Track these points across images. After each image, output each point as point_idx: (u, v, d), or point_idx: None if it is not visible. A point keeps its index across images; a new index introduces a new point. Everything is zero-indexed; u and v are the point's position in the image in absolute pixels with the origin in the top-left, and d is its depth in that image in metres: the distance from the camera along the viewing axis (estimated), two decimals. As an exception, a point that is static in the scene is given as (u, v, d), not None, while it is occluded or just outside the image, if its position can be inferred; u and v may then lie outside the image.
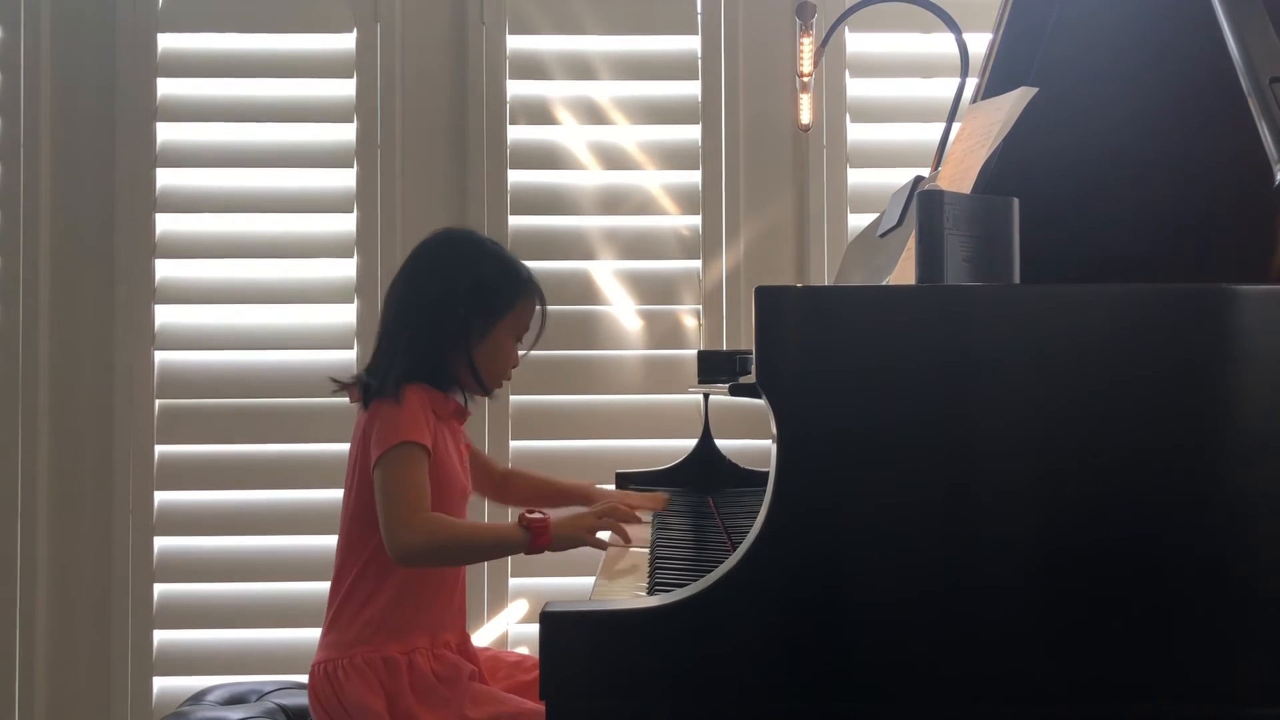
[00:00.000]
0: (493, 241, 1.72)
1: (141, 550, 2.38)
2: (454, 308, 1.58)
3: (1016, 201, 1.00)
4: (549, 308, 2.45)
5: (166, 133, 2.44)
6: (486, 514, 2.37)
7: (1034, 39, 1.46)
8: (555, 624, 0.89)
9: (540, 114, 2.47)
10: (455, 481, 1.58)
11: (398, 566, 1.50)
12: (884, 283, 1.30)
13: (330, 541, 1.63)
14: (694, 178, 2.46)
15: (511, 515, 2.30)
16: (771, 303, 0.89)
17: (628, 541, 1.51)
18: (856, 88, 2.49)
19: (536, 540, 1.46)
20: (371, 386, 1.56)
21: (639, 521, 1.59)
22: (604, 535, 1.54)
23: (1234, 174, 1.13)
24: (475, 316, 1.59)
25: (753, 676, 0.87)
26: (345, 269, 2.43)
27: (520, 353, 1.69)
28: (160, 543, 2.40)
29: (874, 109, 2.49)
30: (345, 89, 2.45)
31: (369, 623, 1.52)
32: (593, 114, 2.46)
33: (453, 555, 1.55)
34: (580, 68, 2.47)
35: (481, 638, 2.35)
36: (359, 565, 1.54)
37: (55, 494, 2.42)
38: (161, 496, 2.40)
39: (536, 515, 1.48)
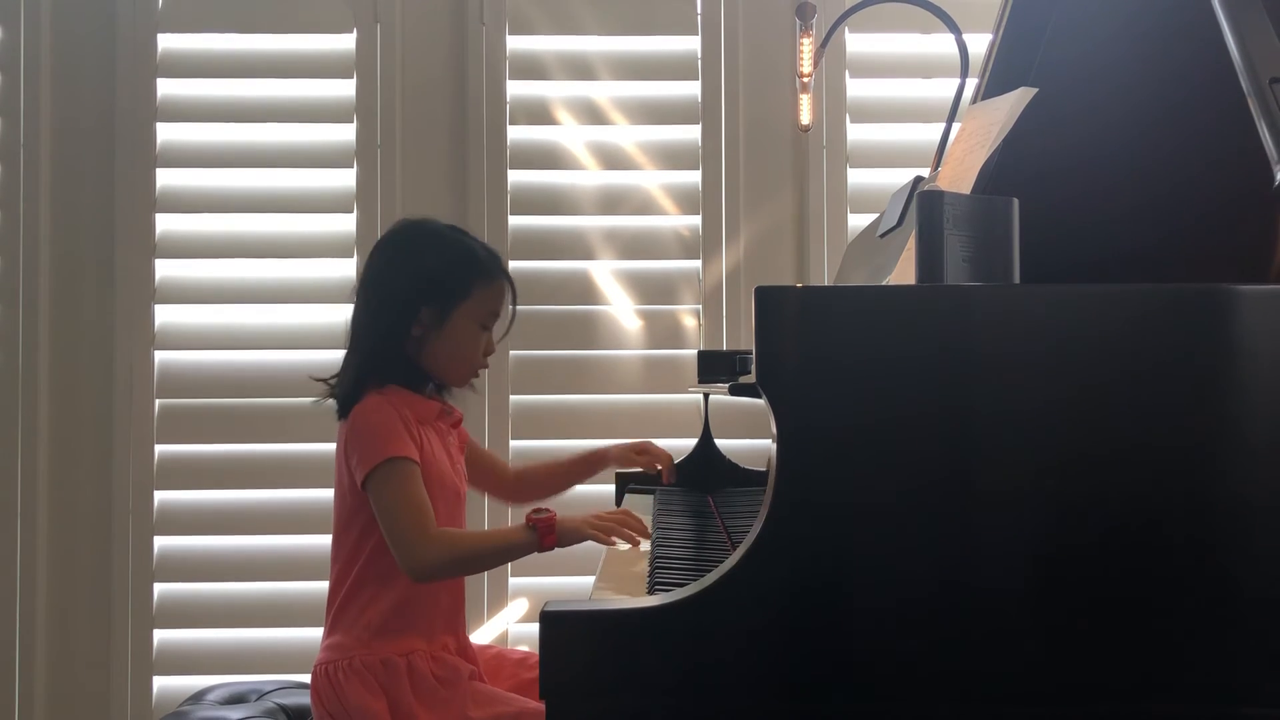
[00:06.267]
0: (451, 228, 1.64)
1: (141, 550, 2.38)
2: (402, 301, 1.55)
3: (1016, 201, 1.00)
4: (548, 307, 2.46)
5: (166, 133, 2.44)
6: (486, 516, 2.37)
7: (1034, 39, 1.46)
8: (555, 623, 0.89)
9: (540, 114, 2.47)
10: (446, 484, 1.56)
11: (395, 573, 1.49)
12: (884, 283, 1.30)
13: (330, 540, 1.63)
14: (694, 178, 2.46)
15: (513, 517, 2.31)
16: (771, 303, 0.89)
17: (635, 543, 1.49)
18: (856, 88, 2.49)
19: (544, 539, 1.45)
20: (338, 395, 1.57)
21: (643, 536, 1.56)
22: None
23: (1234, 174, 1.13)
24: (427, 306, 1.55)
25: (753, 676, 0.87)
26: (345, 269, 2.43)
27: (495, 340, 1.63)
28: (160, 543, 2.40)
29: (874, 109, 2.49)
30: (345, 89, 2.45)
31: (367, 627, 1.51)
32: (592, 114, 2.46)
33: (468, 566, 1.55)
34: (580, 68, 2.47)
35: (481, 637, 2.35)
36: (356, 570, 1.53)
37: (55, 494, 2.42)
38: (161, 496, 2.40)
39: (542, 515, 1.47)
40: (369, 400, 1.52)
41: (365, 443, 1.48)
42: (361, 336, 1.58)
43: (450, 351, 1.57)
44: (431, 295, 1.55)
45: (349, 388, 1.56)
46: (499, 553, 1.55)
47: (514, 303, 1.64)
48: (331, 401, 1.60)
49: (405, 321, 1.55)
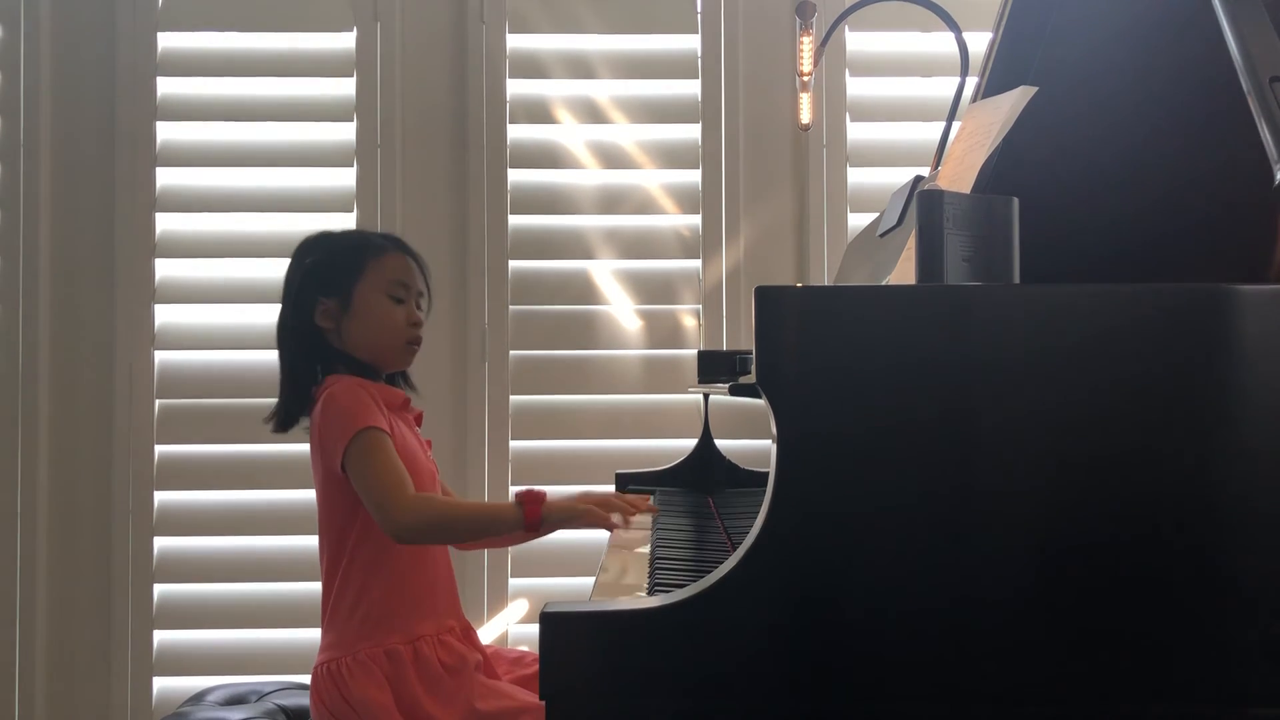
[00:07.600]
0: (345, 230, 1.69)
1: (141, 550, 2.38)
2: (298, 297, 1.58)
3: (1016, 201, 1.00)
4: (548, 307, 2.46)
5: (166, 133, 2.44)
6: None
7: (1034, 38, 1.46)
8: (555, 624, 0.89)
9: (540, 113, 2.47)
10: (421, 468, 1.57)
11: (382, 559, 1.50)
12: (884, 283, 1.30)
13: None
14: (694, 177, 2.46)
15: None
16: (771, 302, 0.89)
17: (627, 524, 1.48)
18: (856, 87, 2.49)
19: (529, 513, 1.46)
20: (290, 412, 1.59)
21: (633, 512, 1.57)
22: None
23: (1234, 174, 1.12)
24: (327, 297, 1.57)
25: (752, 676, 0.87)
26: (345, 269, 2.43)
27: (423, 315, 1.64)
28: (160, 543, 2.40)
29: (874, 108, 2.48)
30: (345, 88, 2.45)
31: (367, 618, 1.51)
32: (592, 113, 2.46)
33: (450, 531, 1.54)
34: (580, 67, 2.46)
35: (482, 638, 2.34)
36: (342, 564, 1.54)
37: (55, 494, 2.42)
38: (161, 496, 2.40)
39: (533, 490, 1.48)
40: (338, 383, 1.53)
41: (337, 421, 1.49)
42: (283, 349, 1.61)
43: (368, 329, 1.58)
44: (326, 284, 1.58)
45: (290, 398, 1.59)
46: (482, 522, 1.56)
47: (425, 275, 1.64)
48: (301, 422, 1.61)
49: (306, 312, 1.57)
